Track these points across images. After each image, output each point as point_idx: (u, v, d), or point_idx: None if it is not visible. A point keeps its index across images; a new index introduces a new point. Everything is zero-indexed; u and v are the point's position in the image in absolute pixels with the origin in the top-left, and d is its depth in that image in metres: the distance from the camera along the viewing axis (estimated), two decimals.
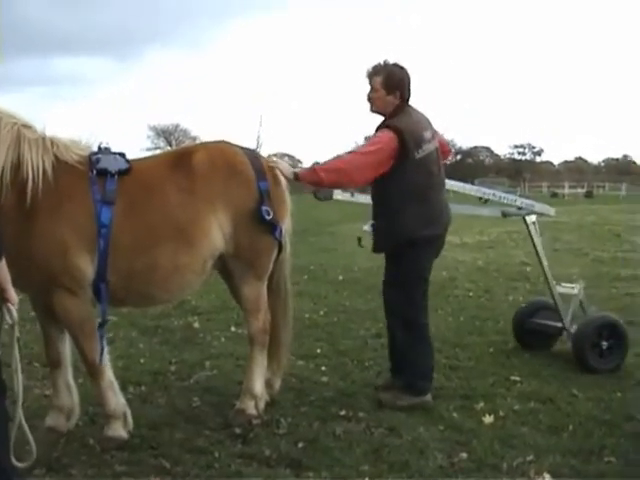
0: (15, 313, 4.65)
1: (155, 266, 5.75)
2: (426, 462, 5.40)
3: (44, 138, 5.59)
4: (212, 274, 6.36)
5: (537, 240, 7.97)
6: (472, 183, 10.64)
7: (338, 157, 6.50)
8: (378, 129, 6.53)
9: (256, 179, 6.06)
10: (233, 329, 9.61)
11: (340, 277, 14.15)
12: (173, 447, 5.72)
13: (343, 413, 6.38)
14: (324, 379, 7.42)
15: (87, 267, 5.53)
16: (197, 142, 6.55)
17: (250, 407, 6.24)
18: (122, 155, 5.87)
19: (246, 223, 6.00)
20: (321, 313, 10.71)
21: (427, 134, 6.43)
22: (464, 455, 5.51)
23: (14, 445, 4.84)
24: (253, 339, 6.36)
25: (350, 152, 6.57)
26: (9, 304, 4.62)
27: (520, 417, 6.31)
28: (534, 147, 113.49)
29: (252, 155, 6.27)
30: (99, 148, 5.85)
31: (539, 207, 8.03)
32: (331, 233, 24.48)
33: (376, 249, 6.71)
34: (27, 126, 5.56)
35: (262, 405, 6.34)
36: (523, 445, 5.70)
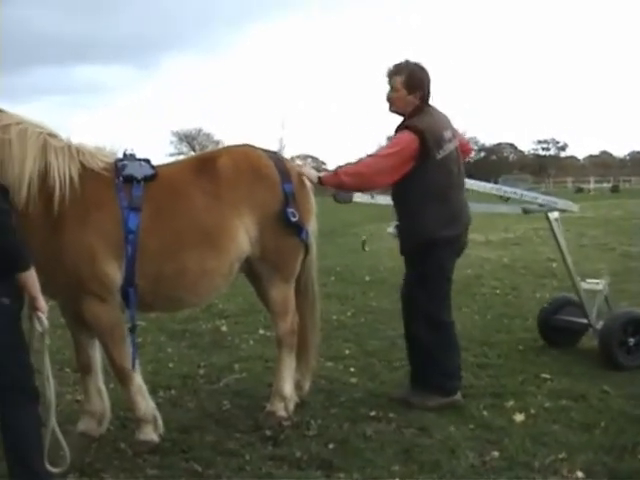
0: (45, 321, 4.70)
1: (183, 270, 5.77)
2: (457, 461, 5.38)
3: (70, 146, 5.62)
4: (239, 277, 6.37)
5: (560, 236, 7.91)
6: (496, 180, 10.56)
7: (360, 160, 6.49)
8: (398, 130, 6.50)
9: (281, 182, 6.07)
10: (261, 332, 9.62)
11: (367, 278, 14.11)
12: (204, 450, 5.74)
13: (373, 414, 6.37)
14: (353, 380, 7.41)
15: (115, 273, 5.56)
16: (220, 146, 6.53)
17: (280, 409, 6.26)
18: (147, 161, 5.90)
19: (272, 226, 6.02)
20: (349, 314, 10.69)
21: (447, 134, 6.38)
22: (495, 454, 5.49)
23: (48, 450, 4.90)
24: (281, 341, 6.37)
25: (371, 155, 6.51)
26: (39, 312, 4.66)
27: (551, 415, 6.27)
28: (558, 142, 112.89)
29: (276, 158, 6.29)
30: (124, 155, 5.88)
31: (562, 203, 7.96)
32: (356, 234, 24.40)
33: (402, 251, 6.69)
34: (53, 135, 5.59)
35: (292, 407, 6.35)
36: (555, 443, 5.66)
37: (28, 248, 4.66)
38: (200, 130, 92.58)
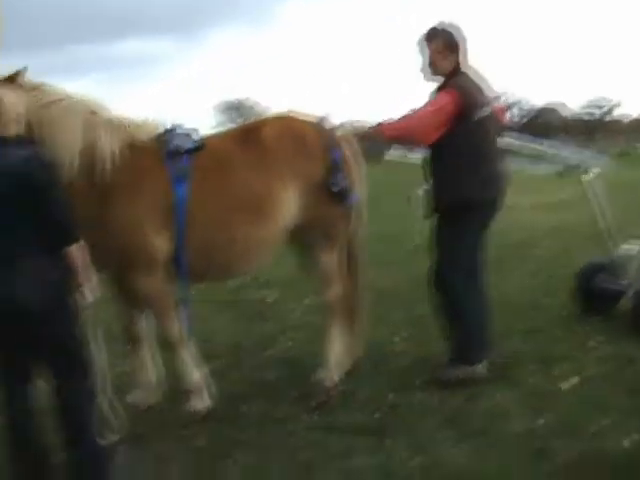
0: (93, 294, 4.75)
1: (231, 240, 5.81)
2: (505, 427, 5.38)
3: (115, 119, 5.66)
4: (286, 245, 6.39)
5: (595, 199, 7.81)
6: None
7: (403, 117, 6.38)
8: (439, 90, 6.41)
9: (327, 149, 6.06)
10: (308, 301, 9.64)
11: (414, 243, 13.99)
12: (253, 419, 5.81)
13: (420, 382, 6.39)
14: (401, 347, 7.42)
15: (164, 244, 5.61)
16: (266, 116, 6.54)
17: (328, 377, 6.28)
18: (194, 132, 5.92)
19: (319, 193, 6.02)
20: (397, 280, 10.65)
21: (484, 97, 6.32)
22: (544, 420, 5.47)
23: (101, 420, 4.98)
24: (330, 309, 6.39)
25: (414, 111, 6.37)
26: (86, 285, 4.71)
27: (600, 380, 6.22)
28: (602, 106, 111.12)
29: (322, 125, 6.26)
30: (171, 127, 5.91)
31: (594, 160, 7.87)
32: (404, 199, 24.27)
33: (437, 209, 6.49)
34: (98, 109, 5.64)
35: (340, 375, 6.37)
36: (604, 408, 5.62)
37: (76, 222, 4.71)
38: (245, 100, 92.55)
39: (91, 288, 4.74)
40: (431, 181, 6.47)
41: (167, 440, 5.56)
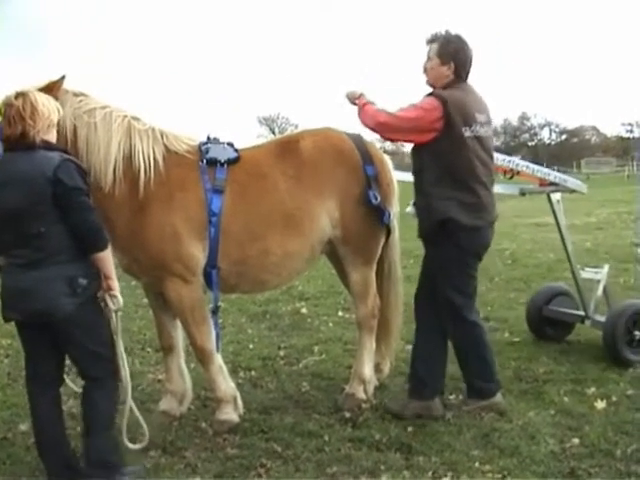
0: (120, 300, 4.81)
1: (265, 252, 5.82)
2: (537, 447, 5.34)
3: (153, 129, 5.71)
4: (319, 259, 6.39)
5: (561, 219, 7.59)
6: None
7: (383, 110, 5.90)
8: (428, 95, 5.99)
9: (363, 164, 6.06)
10: (341, 314, 9.66)
11: None
12: (283, 431, 5.80)
13: (452, 397, 6.36)
14: None
15: (199, 254, 5.64)
16: (301, 129, 6.52)
17: (359, 391, 6.28)
18: (231, 144, 5.95)
19: (354, 208, 6.02)
20: None
21: (480, 117, 5.88)
22: (576, 441, 5.42)
23: (127, 427, 5.01)
24: (362, 324, 6.39)
25: (391, 114, 5.87)
26: (113, 292, 4.77)
27: (634, 402, 6.16)
28: None
29: (358, 140, 6.26)
30: (208, 138, 5.95)
31: (572, 183, 7.55)
32: None
33: (419, 233, 6.15)
34: (136, 118, 5.70)
35: (371, 389, 6.37)
36: (637, 431, 5.56)
37: (105, 229, 4.76)
38: (278, 114, 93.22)
39: (116, 295, 4.80)
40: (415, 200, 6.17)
41: (198, 448, 5.57)
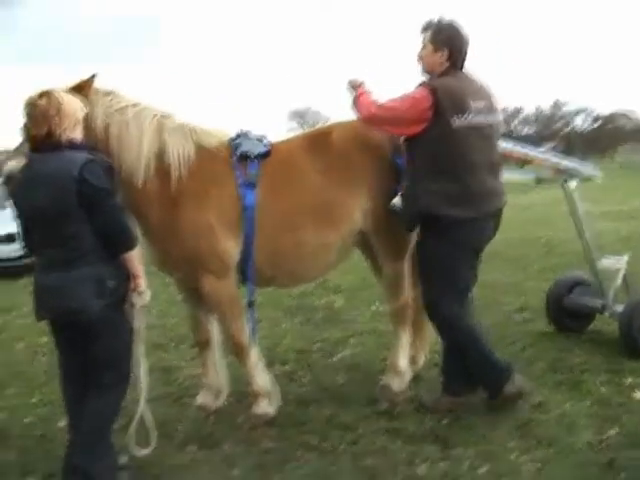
0: (147, 298, 4.82)
1: (299, 246, 5.84)
2: (575, 438, 5.30)
3: (184, 126, 5.74)
4: (352, 251, 6.39)
5: (578, 207, 7.32)
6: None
7: (376, 101, 5.76)
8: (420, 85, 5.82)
9: (393, 155, 6.04)
10: (375, 306, 9.64)
11: None
12: (319, 423, 5.83)
13: None
14: None
15: (233, 249, 5.66)
16: (331, 122, 6.47)
17: (395, 383, 6.27)
18: (262, 139, 5.97)
19: (385, 199, 5.99)
20: None
21: (477, 104, 5.61)
22: (614, 431, 5.38)
23: (136, 431, 5.09)
24: (396, 316, 6.38)
25: (383, 104, 5.74)
26: (140, 289, 4.78)
27: None
28: None
29: None
30: (239, 133, 5.97)
31: (584, 170, 7.28)
32: None
33: (405, 226, 5.96)
34: (167, 115, 5.72)
35: (406, 381, 6.36)
36: None
37: (133, 228, 4.77)
38: (309, 108, 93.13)
39: (143, 291, 4.80)
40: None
41: (235, 441, 5.61)
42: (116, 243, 4.65)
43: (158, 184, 5.54)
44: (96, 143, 5.20)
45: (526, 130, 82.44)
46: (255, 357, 5.93)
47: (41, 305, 4.70)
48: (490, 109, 5.72)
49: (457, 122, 5.50)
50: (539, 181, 6.85)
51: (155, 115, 5.64)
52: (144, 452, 5.13)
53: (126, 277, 4.73)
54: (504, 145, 6.42)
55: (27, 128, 4.66)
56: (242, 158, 5.76)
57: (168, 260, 5.73)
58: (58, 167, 4.51)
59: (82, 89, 5.16)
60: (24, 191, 4.63)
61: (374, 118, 5.71)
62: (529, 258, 12.55)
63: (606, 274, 7.47)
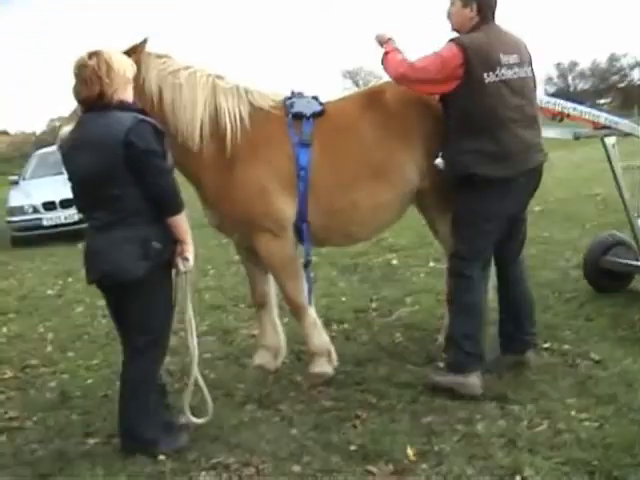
0: (191, 263, 4.81)
1: (354, 205, 5.82)
2: (635, 395, 5.23)
3: (238, 87, 5.74)
4: (408, 210, 6.36)
5: (616, 165, 7.09)
6: None
7: (405, 60, 5.64)
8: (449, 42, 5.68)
9: None
10: (432, 264, 9.61)
11: (536, 208, 13.72)
12: (378, 382, 5.84)
13: (547, 345, 6.28)
14: None
15: (288, 209, 5.67)
16: (384, 81, 6.38)
17: None
18: (316, 98, 5.95)
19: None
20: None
21: (508, 58, 5.44)
22: None
23: (191, 399, 5.14)
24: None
25: (412, 63, 5.61)
26: (187, 254, 4.78)
27: None
28: None
29: None
30: (292, 93, 5.95)
31: (624, 125, 6.98)
32: None
33: (446, 186, 5.81)
34: (220, 77, 5.73)
35: None
36: None
37: (180, 191, 4.78)
38: (362, 67, 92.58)
39: (188, 257, 4.79)
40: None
41: (293, 401, 5.66)
42: (162, 206, 4.66)
43: (213, 146, 5.57)
44: (150, 107, 5.23)
45: (582, 85, 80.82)
46: (312, 317, 5.95)
47: (88, 268, 4.77)
48: (522, 62, 5.57)
49: (488, 78, 5.37)
50: (577, 137, 6.57)
51: (209, 77, 5.65)
52: (199, 421, 5.14)
53: (173, 241, 4.75)
54: (539, 99, 6.24)
55: (77, 90, 4.69)
56: (296, 117, 5.75)
57: (225, 221, 5.77)
58: (105, 130, 4.53)
59: (134, 53, 5.19)
60: (72, 154, 4.69)
61: (403, 78, 5.61)
62: (585, 215, 12.39)
63: None
